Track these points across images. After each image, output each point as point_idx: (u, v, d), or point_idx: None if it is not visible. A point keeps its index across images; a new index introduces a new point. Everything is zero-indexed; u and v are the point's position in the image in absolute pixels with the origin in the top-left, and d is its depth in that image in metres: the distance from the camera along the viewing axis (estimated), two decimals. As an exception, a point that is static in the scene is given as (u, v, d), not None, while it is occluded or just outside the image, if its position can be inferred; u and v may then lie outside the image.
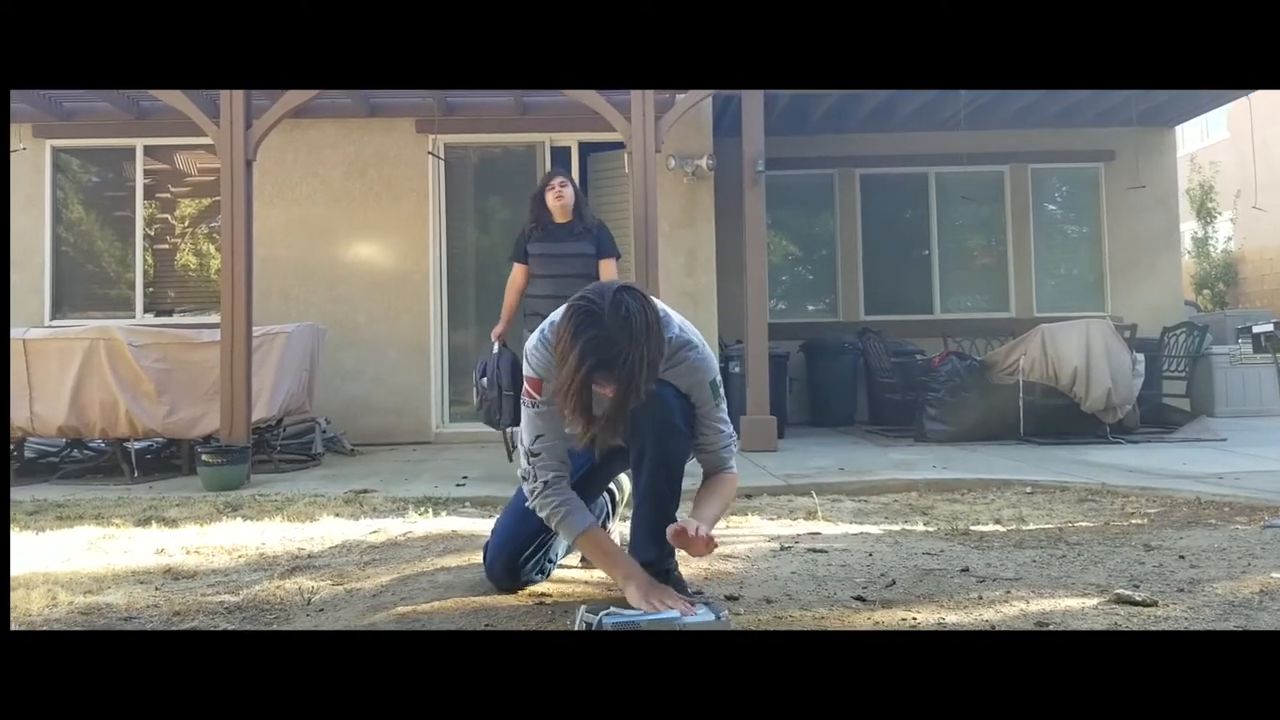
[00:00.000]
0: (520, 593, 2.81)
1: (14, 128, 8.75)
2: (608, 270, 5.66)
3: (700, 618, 2.28)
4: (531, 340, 2.68)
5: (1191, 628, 2.33)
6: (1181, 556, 3.19)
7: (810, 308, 11.19)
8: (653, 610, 2.34)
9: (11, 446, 6.75)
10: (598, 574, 3.07)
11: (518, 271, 5.77)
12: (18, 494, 5.59)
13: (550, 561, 2.96)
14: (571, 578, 3.03)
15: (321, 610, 2.68)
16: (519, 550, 2.83)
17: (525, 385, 2.69)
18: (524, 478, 2.70)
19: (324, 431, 7.90)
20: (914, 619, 2.46)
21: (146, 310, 9.03)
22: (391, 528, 4.22)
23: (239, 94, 6.54)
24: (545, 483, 2.65)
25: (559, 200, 5.62)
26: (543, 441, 2.66)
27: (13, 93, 8.23)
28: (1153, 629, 2.33)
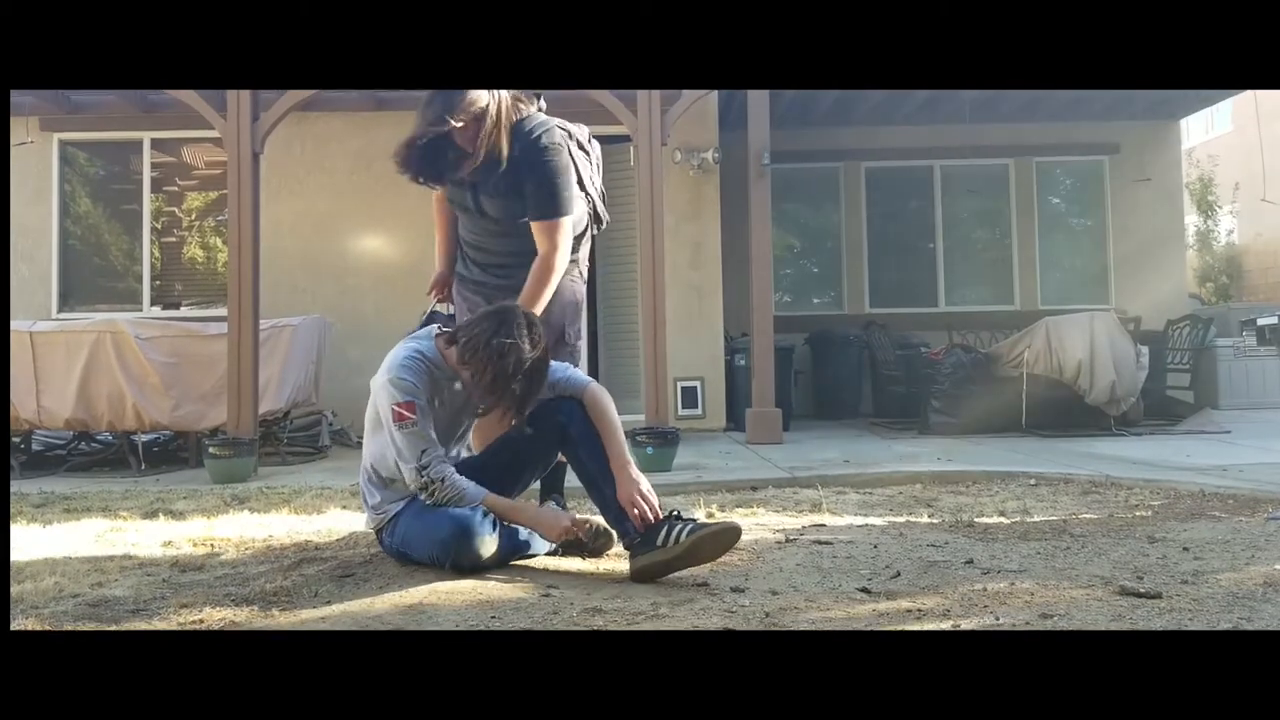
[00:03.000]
0: (527, 585, 2.82)
1: (21, 121, 8.75)
2: (542, 241, 3.36)
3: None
4: (402, 361, 2.96)
5: (1195, 619, 2.34)
6: (1185, 549, 3.20)
7: (815, 301, 11.19)
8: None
9: (19, 439, 6.78)
10: (604, 565, 3.09)
11: (439, 202, 3.92)
12: (25, 486, 5.62)
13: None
14: (577, 569, 3.04)
15: (329, 603, 2.70)
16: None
17: (397, 410, 2.92)
18: (422, 487, 2.94)
19: (331, 424, 7.92)
20: (918, 610, 2.48)
21: (154, 303, 9.05)
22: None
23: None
24: (443, 478, 2.93)
25: (463, 132, 3.45)
26: (429, 453, 2.94)
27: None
28: (1156, 621, 2.34)
